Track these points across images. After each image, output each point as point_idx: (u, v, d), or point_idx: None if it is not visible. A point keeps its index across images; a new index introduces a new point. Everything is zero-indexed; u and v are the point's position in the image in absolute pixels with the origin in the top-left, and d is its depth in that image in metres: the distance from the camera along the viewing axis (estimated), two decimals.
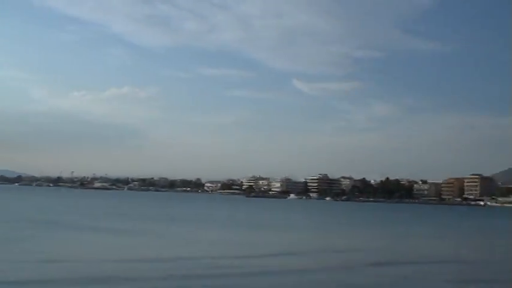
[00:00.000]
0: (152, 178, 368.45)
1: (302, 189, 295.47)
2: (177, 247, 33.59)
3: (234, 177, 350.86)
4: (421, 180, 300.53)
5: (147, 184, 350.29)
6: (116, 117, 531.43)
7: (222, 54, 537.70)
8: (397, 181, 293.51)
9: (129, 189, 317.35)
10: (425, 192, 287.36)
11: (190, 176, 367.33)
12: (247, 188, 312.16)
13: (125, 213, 73.22)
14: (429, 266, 28.32)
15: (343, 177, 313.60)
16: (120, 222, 53.76)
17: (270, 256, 30.04)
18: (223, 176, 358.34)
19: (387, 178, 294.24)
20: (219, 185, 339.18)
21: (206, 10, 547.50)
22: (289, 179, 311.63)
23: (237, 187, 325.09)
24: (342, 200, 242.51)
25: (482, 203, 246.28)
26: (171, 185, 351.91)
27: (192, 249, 32.42)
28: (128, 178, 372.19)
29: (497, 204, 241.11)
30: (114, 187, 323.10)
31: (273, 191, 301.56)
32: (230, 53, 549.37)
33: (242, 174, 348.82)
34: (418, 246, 43.27)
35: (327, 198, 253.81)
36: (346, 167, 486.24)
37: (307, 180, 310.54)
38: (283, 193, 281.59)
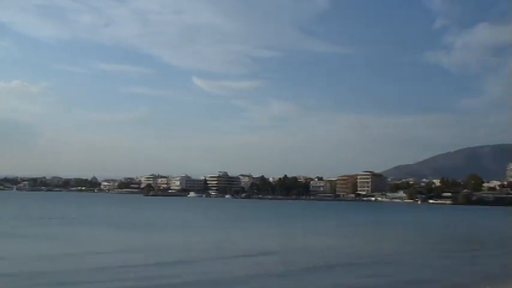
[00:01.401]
0: (44, 177, 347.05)
1: (202, 187, 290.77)
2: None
3: (132, 176, 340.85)
4: (317, 177, 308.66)
5: (39, 184, 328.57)
6: (3, 112, 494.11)
7: (119, 50, 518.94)
8: (294, 178, 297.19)
9: (18, 189, 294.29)
10: (321, 188, 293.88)
11: (86, 174, 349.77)
12: (145, 186, 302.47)
13: None
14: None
15: (243, 175, 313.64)
16: None
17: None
18: (121, 174, 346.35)
19: (285, 175, 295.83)
20: (116, 183, 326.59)
21: (102, 3, 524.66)
22: (188, 177, 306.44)
23: (136, 186, 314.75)
24: (242, 198, 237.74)
25: (373, 198, 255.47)
26: (65, 184, 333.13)
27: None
28: (17, 177, 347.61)
29: (386, 199, 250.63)
30: (1, 187, 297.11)
31: (172, 189, 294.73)
32: (128, 49, 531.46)
33: (140, 172, 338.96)
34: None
35: (227, 196, 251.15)
36: (245, 165, 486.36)
37: (207, 178, 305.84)
38: (183, 191, 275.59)
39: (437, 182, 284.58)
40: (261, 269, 21.10)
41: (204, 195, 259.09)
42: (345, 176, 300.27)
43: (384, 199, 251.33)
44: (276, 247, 30.56)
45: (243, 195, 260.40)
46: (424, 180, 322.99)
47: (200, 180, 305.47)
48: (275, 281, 18.52)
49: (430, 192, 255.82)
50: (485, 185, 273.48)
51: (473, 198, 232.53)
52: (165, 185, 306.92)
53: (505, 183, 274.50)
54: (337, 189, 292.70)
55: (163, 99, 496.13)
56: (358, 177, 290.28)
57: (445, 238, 43.53)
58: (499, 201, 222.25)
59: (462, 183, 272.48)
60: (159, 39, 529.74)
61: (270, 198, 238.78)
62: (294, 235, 42.28)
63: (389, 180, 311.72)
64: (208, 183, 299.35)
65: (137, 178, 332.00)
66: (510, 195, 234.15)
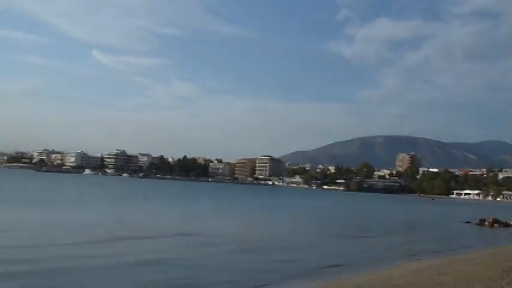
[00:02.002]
0: None
1: (98, 165, 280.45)
2: None
3: (23, 150, 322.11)
4: (217, 160, 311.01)
5: None
6: None
7: (12, 14, 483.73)
8: (194, 159, 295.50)
9: None
10: (220, 171, 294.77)
11: None
12: (38, 161, 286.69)
13: None
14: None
15: (141, 154, 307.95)
16: None
17: None
18: (10, 148, 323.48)
19: (185, 156, 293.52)
20: (5, 157, 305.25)
21: None
22: (84, 154, 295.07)
23: (27, 160, 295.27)
24: (140, 177, 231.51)
25: (270, 182, 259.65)
26: None
27: None
28: None
29: (283, 184, 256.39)
30: None
31: (66, 165, 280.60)
32: (22, 14, 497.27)
33: (33, 146, 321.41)
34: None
35: (124, 175, 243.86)
36: (144, 144, 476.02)
37: (104, 156, 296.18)
38: (78, 168, 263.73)
39: (332, 168, 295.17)
40: (155, 253, 19.47)
41: (100, 173, 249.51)
42: (244, 159, 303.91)
43: (281, 183, 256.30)
44: (169, 230, 29.01)
45: (141, 174, 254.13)
46: (319, 166, 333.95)
47: (97, 158, 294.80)
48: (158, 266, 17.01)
49: (325, 178, 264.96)
50: (376, 173, 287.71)
51: (364, 185, 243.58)
52: (59, 161, 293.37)
53: (394, 172, 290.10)
54: (235, 172, 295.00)
55: (60, 71, 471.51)
56: (257, 161, 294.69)
57: (334, 222, 44.00)
58: (387, 189, 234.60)
59: (355, 170, 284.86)
60: (56, 7, 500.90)
61: (168, 179, 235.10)
62: (188, 217, 40.72)
63: (286, 165, 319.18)
64: (105, 161, 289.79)
65: (29, 153, 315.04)
66: (397, 184, 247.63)
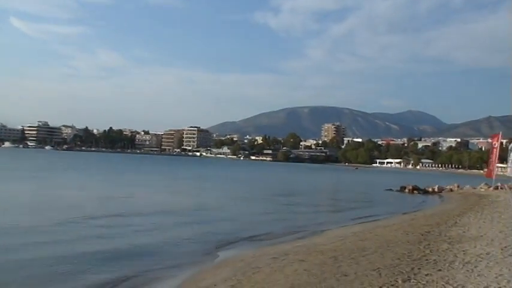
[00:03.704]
0: None
1: (19, 137, 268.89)
2: None
3: None
4: (144, 131, 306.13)
5: None
6: None
7: None
8: (120, 131, 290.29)
9: None
10: (147, 142, 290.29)
11: None
12: None
13: None
14: None
15: (65, 126, 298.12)
16: None
17: None
18: None
19: (110, 128, 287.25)
20: None
21: None
22: (4, 126, 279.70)
23: None
24: (63, 150, 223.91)
25: (198, 153, 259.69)
26: None
27: None
28: None
29: (211, 155, 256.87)
30: None
31: None
32: None
33: None
34: None
35: (47, 147, 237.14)
36: (68, 116, 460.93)
37: (25, 128, 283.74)
38: None
39: (259, 139, 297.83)
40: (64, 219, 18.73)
41: (21, 146, 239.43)
42: (171, 130, 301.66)
43: (209, 154, 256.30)
44: (93, 199, 28.17)
45: (65, 146, 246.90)
46: (247, 137, 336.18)
47: (17, 130, 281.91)
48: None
49: (253, 148, 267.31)
50: (302, 143, 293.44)
51: (291, 155, 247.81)
52: None
53: (320, 142, 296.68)
54: (163, 143, 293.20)
55: None
56: (185, 132, 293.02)
57: (260, 192, 44.29)
58: (313, 159, 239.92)
59: (282, 141, 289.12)
60: None
61: (93, 151, 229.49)
62: (110, 188, 39.70)
63: (214, 136, 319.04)
64: (26, 133, 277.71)
65: None
66: (323, 154, 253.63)
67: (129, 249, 14.67)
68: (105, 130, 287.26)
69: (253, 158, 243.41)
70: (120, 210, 22.94)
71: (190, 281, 11.23)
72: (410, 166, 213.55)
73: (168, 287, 10.91)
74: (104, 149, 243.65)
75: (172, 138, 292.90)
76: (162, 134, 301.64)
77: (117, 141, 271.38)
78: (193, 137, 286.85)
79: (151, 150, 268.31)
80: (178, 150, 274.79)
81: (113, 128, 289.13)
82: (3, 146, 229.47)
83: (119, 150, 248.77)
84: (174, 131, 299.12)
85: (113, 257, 13.46)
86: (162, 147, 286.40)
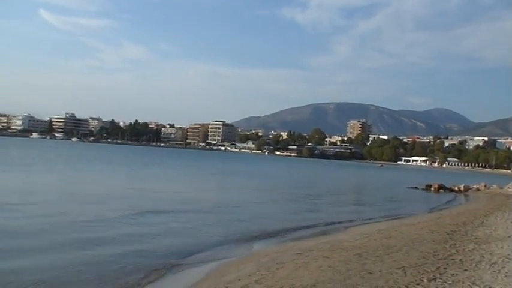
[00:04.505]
0: None
1: (46, 129, 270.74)
2: None
3: None
4: (169, 125, 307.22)
5: None
6: None
7: None
8: (146, 124, 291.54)
9: None
10: (173, 136, 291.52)
11: None
12: None
13: None
14: None
15: (92, 118, 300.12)
16: None
17: None
18: None
19: (136, 121, 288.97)
20: None
21: None
22: (32, 117, 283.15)
23: None
24: (90, 141, 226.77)
25: (223, 148, 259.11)
26: None
27: None
28: None
29: (236, 149, 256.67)
30: None
31: (13, 129, 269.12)
32: None
33: None
34: None
35: (73, 139, 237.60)
36: (95, 108, 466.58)
37: (53, 119, 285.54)
38: (25, 132, 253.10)
39: (284, 134, 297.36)
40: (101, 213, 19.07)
41: (48, 137, 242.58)
42: (196, 124, 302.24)
43: (234, 149, 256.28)
44: (118, 192, 28.56)
45: (91, 138, 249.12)
46: (272, 132, 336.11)
47: (45, 121, 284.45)
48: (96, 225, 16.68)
49: (277, 144, 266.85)
50: (327, 139, 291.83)
51: (316, 151, 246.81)
52: (5, 124, 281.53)
53: (345, 138, 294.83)
54: (188, 137, 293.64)
55: (6, 31, 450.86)
56: (210, 126, 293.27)
57: (287, 188, 44.33)
58: (338, 155, 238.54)
59: (307, 136, 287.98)
60: None
61: (119, 143, 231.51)
62: (139, 180, 40.18)
63: (239, 130, 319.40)
64: (53, 125, 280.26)
65: None
66: (348, 150, 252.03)
67: (155, 244, 14.86)
68: (131, 123, 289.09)
69: (277, 153, 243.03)
70: (149, 207, 23.07)
71: (214, 274, 11.34)
72: (436, 164, 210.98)
73: (193, 280, 11.02)
74: (129, 142, 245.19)
75: (197, 132, 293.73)
76: (187, 128, 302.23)
77: (142, 134, 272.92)
78: (218, 131, 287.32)
79: (177, 143, 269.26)
80: (203, 144, 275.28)
81: (139, 121, 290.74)
82: (30, 136, 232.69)
83: (144, 143, 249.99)
84: (199, 125, 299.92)
85: (135, 251, 13.68)
86: (187, 140, 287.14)
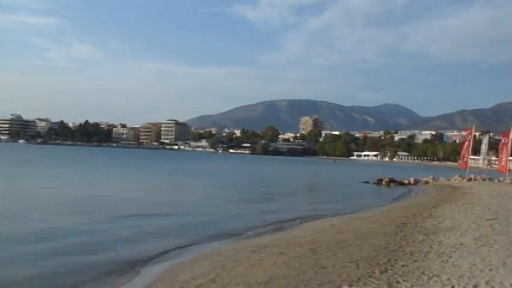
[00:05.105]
0: None
1: None
2: None
3: None
4: (121, 124, 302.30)
5: None
6: None
7: None
8: (96, 124, 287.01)
9: None
10: (125, 136, 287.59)
11: None
12: None
13: None
14: None
15: (39, 119, 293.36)
16: None
17: None
18: None
19: (86, 121, 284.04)
20: None
21: None
22: None
23: None
24: (38, 143, 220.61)
25: (176, 147, 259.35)
26: None
27: None
28: None
29: (189, 148, 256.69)
30: None
31: None
32: None
33: None
34: None
35: (21, 141, 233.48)
36: (43, 109, 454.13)
37: None
38: None
39: (237, 132, 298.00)
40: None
41: None
42: (148, 124, 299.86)
43: (187, 148, 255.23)
44: (66, 197, 27.87)
45: (40, 140, 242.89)
46: (225, 130, 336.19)
47: None
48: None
49: (231, 142, 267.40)
50: (281, 136, 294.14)
51: (270, 148, 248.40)
52: None
53: (298, 135, 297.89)
54: (140, 137, 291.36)
55: None
56: (162, 125, 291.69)
57: (240, 185, 44.35)
58: (292, 152, 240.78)
59: (260, 134, 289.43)
60: None
61: (69, 144, 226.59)
62: (87, 184, 39.29)
63: (192, 129, 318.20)
64: None
65: None
66: (302, 147, 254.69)
67: (100, 244, 14.62)
68: (81, 123, 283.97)
69: (231, 151, 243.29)
70: (100, 212, 22.53)
71: (169, 275, 11.26)
72: (386, 158, 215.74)
73: (146, 282, 10.90)
74: (79, 143, 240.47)
75: (149, 132, 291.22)
76: (139, 128, 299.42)
77: (93, 134, 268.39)
78: (171, 131, 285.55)
79: (129, 143, 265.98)
80: (156, 143, 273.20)
81: (89, 122, 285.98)
82: None
83: (95, 143, 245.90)
84: (152, 124, 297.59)
85: (86, 250, 13.42)
86: (140, 140, 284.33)
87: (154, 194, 31.94)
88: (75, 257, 12.75)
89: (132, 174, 52.81)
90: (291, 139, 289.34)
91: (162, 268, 12.04)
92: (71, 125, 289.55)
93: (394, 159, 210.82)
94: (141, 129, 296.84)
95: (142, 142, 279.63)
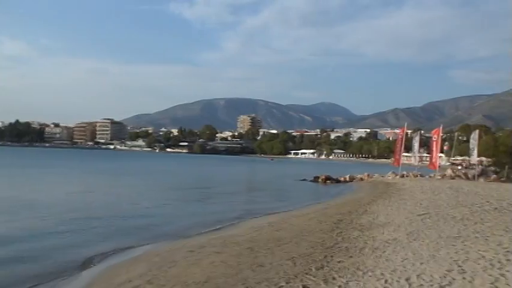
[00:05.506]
0: None
1: None
2: None
3: None
4: (53, 124, 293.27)
5: None
6: None
7: None
8: (27, 124, 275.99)
9: None
10: (58, 135, 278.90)
11: None
12: None
13: None
14: None
15: None
16: None
17: None
18: None
19: (17, 120, 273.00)
20: None
21: None
22: None
23: None
24: None
25: (112, 146, 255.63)
26: None
27: None
28: None
29: (126, 148, 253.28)
30: None
31: None
32: None
33: None
34: None
35: None
36: None
37: None
38: None
39: (175, 131, 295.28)
40: None
41: None
42: (83, 123, 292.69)
43: (123, 147, 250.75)
44: None
45: None
46: (163, 129, 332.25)
47: None
48: None
49: (168, 141, 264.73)
50: (218, 135, 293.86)
51: (208, 147, 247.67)
52: None
53: (236, 133, 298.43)
54: (74, 136, 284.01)
55: None
56: (98, 124, 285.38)
57: (177, 185, 43.90)
58: (230, 151, 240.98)
59: (198, 133, 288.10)
60: None
61: None
62: (15, 184, 37.77)
63: (129, 128, 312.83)
64: None
65: None
66: (239, 145, 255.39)
67: (33, 250, 14.09)
68: (11, 123, 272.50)
69: (169, 150, 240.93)
70: (24, 214, 21.63)
71: (104, 278, 10.96)
72: (323, 156, 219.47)
73: (80, 285, 10.57)
74: (9, 143, 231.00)
75: (84, 131, 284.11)
76: (73, 127, 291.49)
77: (24, 134, 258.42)
78: (107, 130, 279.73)
79: (62, 143, 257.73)
80: (91, 143, 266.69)
81: (20, 121, 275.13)
82: None
83: (26, 144, 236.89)
84: (87, 123, 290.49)
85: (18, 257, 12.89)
86: (74, 140, 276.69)
87: (90, 196, 30.98)
88: (6, 265, 12.18)
89: (66, 175, 51.13)
90: (229, 138, 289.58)
91: (97, 271, 11.71)
92: (0, 124, 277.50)
93: (331, 157, 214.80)
94: (75, 129, 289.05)
95: (77, 142, 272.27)
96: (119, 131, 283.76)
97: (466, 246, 10.97)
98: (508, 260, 9.34)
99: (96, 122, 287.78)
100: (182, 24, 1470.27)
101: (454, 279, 8.14)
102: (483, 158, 67.20)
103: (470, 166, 66.10)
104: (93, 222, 19.28)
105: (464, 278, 8.14)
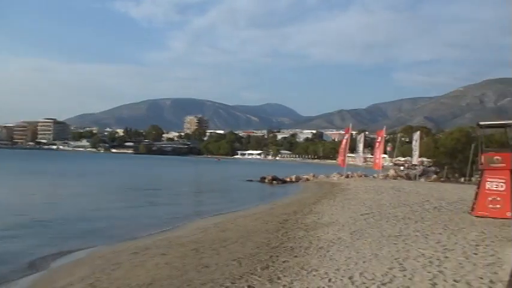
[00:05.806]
0: None
1: None
2: None
3: None
4: None
5: None
6: None
7: None
8: None
9: None
10: None
11: None
12: None
13: None
14: None
15: None
16: None
17: None
18: None
19: None
20: None
21: None
22: None
23: None
24: None
25: (54, 147, 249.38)
26: None
27: None
28: None
29: (69, 148, 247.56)
30: None
31: None
32: None
33: None
34: None
35: None
36: None
37: None
38: None
39: (120, 131, 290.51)
40: None
41: None
42: (24, 122, 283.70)
43: (66, 148, 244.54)
44: None
45: None
46: (107, 129, 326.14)
47: None
48: None
49: (113, 141, 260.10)
50: (165, 135, 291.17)
51: (154, 148, 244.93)
52: None
53: (183, 134, 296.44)
54: (14, 136, 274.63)
55: None
56: (39, 124, 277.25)
57: (121, 187, 43.09)
58: (176, 151, 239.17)
59: (144, 133, 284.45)
60: None
61: None
62: None
63: (72, 128, 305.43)
64: None
65: None
66: (186, 146, 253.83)
67: None
68: None
69: (114, 150, 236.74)
70: None
71: (44, 282, 10.63)
72: (270, 157, 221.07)
73: None
74: None
75: (25, 131, 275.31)
76: (13, 126, 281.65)
77: None
78: (49, 130, 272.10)
79: (1, 143, 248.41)
80: (32, 143, 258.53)
81: None
82: None
83: None
84: (27, 123, 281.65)
85: None
86: (14, 140, 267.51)
87: (29, 199, 30.00)
88: None
89: (3, 177, 49.19)
90: (176, 138, 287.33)
91: (39, 276, 11.33)
92: None
93: (277, 158, 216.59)
94: (15, 128, 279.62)
95: (17, 142, 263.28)
96: (61, 131, 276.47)
97: (406, 245, 11.28)
98: (446, 257, 9.67)
99: (38, 122, 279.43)
100: (129, 23, 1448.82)
101: (395, 276, 8.35)
102: (424, 159, 69.47)
103: (412, 166, 68.19)
104: (35, 225, 18.68)
105: (404, 276, 8.36)
